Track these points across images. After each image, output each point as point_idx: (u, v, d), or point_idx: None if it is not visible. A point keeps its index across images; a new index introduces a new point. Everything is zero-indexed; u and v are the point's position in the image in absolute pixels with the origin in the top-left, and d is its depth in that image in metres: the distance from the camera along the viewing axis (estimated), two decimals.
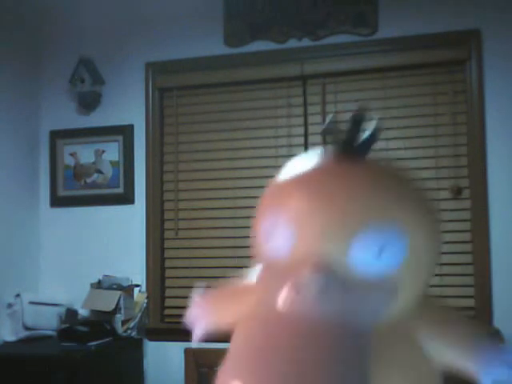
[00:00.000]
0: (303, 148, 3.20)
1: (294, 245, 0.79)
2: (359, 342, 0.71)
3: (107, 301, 3.10)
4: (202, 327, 1.14)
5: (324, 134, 0.91)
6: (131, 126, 3.42)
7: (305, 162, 0.92)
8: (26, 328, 3.16)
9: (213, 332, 1.14)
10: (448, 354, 0.81)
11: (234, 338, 0.88)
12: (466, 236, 2.98)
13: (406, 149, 3.08)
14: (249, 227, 3.22)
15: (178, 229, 3.36)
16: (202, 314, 1.16)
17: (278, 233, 0.81)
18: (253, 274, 0.97)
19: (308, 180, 0.87)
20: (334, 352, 0.70)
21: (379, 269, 0.73)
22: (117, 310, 3.09)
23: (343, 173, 0.83)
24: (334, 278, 0.72)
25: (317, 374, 0.68)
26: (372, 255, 0.73)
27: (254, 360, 0.74)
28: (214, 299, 1.18)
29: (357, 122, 0.84)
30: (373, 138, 0.83)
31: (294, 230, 0.79)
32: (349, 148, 0.83)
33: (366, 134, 0.84)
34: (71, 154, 3.50)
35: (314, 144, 3.19)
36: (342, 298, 0.73)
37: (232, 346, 0.86)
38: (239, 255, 3.25)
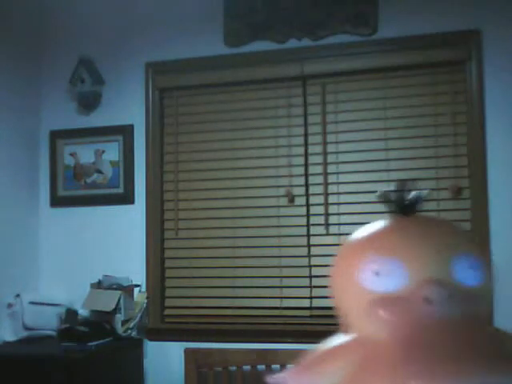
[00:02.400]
0: (303, 148, 3.20)
1: (408, 276, 1.00)
2: (483, 330, 0.99)
3: (107, 301, 3.10)
4: None
5: (384, 200, 1.16)
6: (131, 126, 3.42)
7: (375, 223, 1.13)
8: (26, 328, 3.16)
9: None
10: None
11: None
12: None
13: (406, 149, 3.09)
14: (248, 227, 3.20)
15: (178, 229, 3.36)
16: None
17: (392, 269, 1.01)
18: (338, 339, 1.09)
19: (399, 227, 1.09)
20: (476, 335, 0.96)
21: (473, 281, 1.02)
22: (117, 309, 3.09)
23: (424, 220, 1.11)
24: (453, 289, 0.98)
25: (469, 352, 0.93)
26: (467, 272, 1.02)
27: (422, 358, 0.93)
28: (312, 365, 1.16)
29: (405, 185, 1.14)
30: (422, 197, 1.12)
31: (404, 265, 1.01)
32: (409, 207, 1.11)
33: (415, 195, 1.12)
34: (71, 154, 3.50)
35: (314, 144, 3.20)
36: (461, 303, 0.99)
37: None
38: (239, 255, 3.26)
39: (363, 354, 1.00)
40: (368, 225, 1.13)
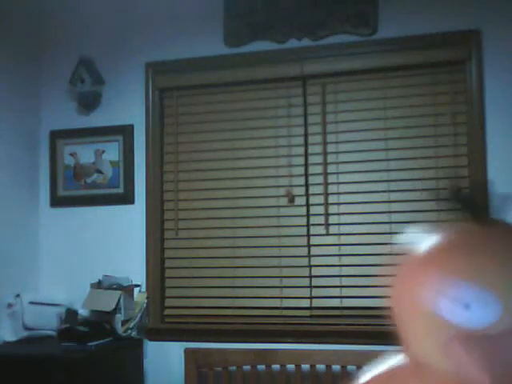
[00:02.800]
0: (303, 148, 3.20)
1: (502, 309, 0.80)
2: None
3: (107, 301, 3.10)
4: None
5: (455, 202, 0.91)
6: (131, 126, 3.42)
7: (449, 232, 0.88)
8: (26, 328, 3.16)
9: None
10: None
11: None
12: None
13: (406, 149, 3.09)
14: (248, 227, 3.20)
15: (178, 229, 3.36)
16: None
17: (482, 302, 0.80)
18: (392, 360, 0.94)
19: (487, 243, 0.85)
20: None
21: None
22: (117, 309, 3.09)
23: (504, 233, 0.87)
24: None
25: None
26: None
27: None
28: None
29: (477, 185, 0.90)
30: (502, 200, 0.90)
31: (498, 295, 0.80)
32: (480, 213, 0.88)
33: (492, 197, 0.91)
34: (71, 154, 3.50)
35: (314, 144, 3.20)
36: None
37: None
38: (239, 255, 3.26)
39: None
40: (441, 234, 0.89)
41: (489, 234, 0.86)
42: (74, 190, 3.49)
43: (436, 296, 0.83)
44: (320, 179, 3.17)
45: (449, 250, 0.86)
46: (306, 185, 3.20)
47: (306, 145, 3.21)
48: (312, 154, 3.20)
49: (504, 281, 0.81)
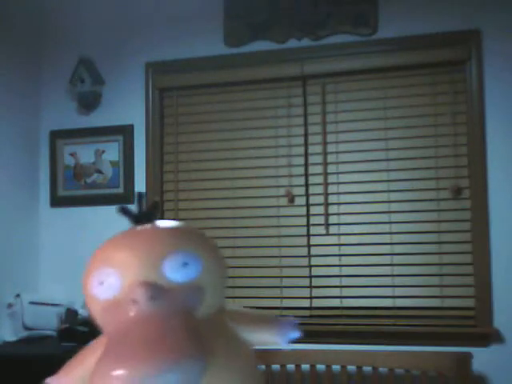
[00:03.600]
0: (303, 148, 3.20)
1: (121, 282, 1.14)
2: (187, 321, 1.11)
3: None
4: None
5: (121, 213, 1.28)
6: (131, 126, 3.42)
7: (116, 234, 1.25)
8: (26, 328, 3.16)
9: None
10: (254, 334, 1.28)
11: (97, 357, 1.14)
12: (466, 236, 2.98)
13: (406, 149, 3.09)
14: (248, 227, 3.20)
15: None
16: None
17: (109, 278, 1.15)
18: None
19: (123, 240, 1.22)
20: (168, 326, 1.09)
21: (185, 276, 1.14)
22: None
23: (144, 230, 1.23)
24: (158, 289, 1.12)
25: (162, 339, 1.07)
26: (176, 270, 1.14)
27: (121, 348, 1.07)
28: (67, 371, 1.36)
29: (140, 201, 1.29)
30: (154, 211, 1.30)
31: (118, 273, 1.14)
32: (141, 219, 1.26)
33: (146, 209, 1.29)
34: (71, 154, 3.50)
35: (314, 144, 3.20)
36: (167, 299, 1.12)
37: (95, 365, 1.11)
38: (239, 255, 3.26)
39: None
40: (114, 236, 1.25)
41: (123, 233, 1.23)
42: (74, 190, 3.49)
43: (89, 281, 1.19)
44: (320, 179, 3.17)
45: (99, 247, 1.23)
46: (306, 185, 3.20)
47: (306, 145, 3.21)
48: (312, 154, 3.20)
49: (122, 262, 1.15)
